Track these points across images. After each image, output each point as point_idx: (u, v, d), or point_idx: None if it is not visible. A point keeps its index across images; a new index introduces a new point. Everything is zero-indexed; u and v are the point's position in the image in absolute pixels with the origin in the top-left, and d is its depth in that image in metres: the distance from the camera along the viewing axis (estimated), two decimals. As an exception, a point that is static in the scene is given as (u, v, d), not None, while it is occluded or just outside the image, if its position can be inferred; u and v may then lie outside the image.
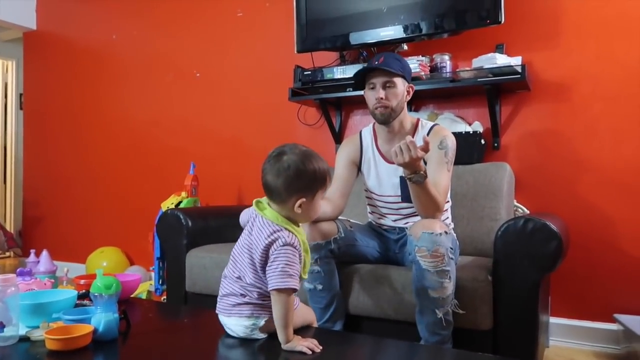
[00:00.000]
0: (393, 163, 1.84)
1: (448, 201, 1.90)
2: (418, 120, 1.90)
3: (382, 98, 1.76)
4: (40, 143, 4.18)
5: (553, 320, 2.27)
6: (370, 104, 1.81)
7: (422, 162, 1.57)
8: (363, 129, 2.00)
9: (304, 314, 1.42)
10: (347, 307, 1.82)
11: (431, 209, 1.67)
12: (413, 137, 1.84)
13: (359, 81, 1.85)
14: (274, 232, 1.25)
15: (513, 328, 1.62)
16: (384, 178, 1.89)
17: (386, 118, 1.80)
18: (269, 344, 1.25)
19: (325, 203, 1.81)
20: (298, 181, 1.25)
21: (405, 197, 1.81)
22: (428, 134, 1.82)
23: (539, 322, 1.66)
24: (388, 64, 1.75)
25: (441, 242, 1.54)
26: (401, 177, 1.82)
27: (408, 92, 1.84)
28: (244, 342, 1.28)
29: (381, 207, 1.92)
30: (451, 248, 1.58)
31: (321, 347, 1.21)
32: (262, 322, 1.29)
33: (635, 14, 2.18)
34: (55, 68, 4.08)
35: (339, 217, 1.87)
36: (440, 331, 1.58)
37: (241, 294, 1.30)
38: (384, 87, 1.77)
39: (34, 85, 4.24)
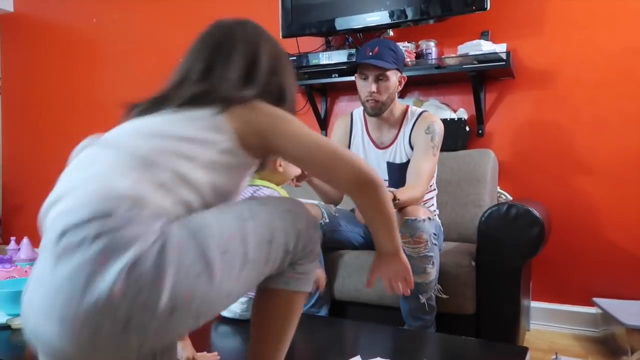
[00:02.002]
0: (382, 149, 1.86)
1: (434, 189, 1.92)
2: (407, 107, 1.90)
3: (374, 92, 1.75)
4: (20, 128, 4.08)
5: (534, 304, 2.31)
6: (362, 94, 1.80)
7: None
8: (355, 110, 2.00)
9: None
10: (332, 293, 1.83)
11: (411, 204, 1.66)
12: (401, 125, 1.85)
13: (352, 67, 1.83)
14: (255, 191, 1.26)
15: (496, 312, 1.65)
16: (373, 163, 1.89)
17: (377, 112, 1.81)
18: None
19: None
20: None
21: (393, 182, 1.82)
22: (416, 121, 1.84)
23: (521, 306, 1.69)
24: (382, 56, 1.72)
25: (424, 228, 1.55)
26: (387, 163, 1.83)
27: (400, 82, 1.83)
28: (236, 326, 1.28)
29: None
30: (434, 234, 1.59)
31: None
32: None
33: (618, 2, 2.20)
34: (34, 51, 3.98)
35: (323, 204, 1.88)
36: (424, 316, 1.60)
37: None
38: (377, 80, 1.75)
39: (12, 69, 4.13)
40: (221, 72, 0.92)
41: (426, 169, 1.74)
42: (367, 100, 1.78)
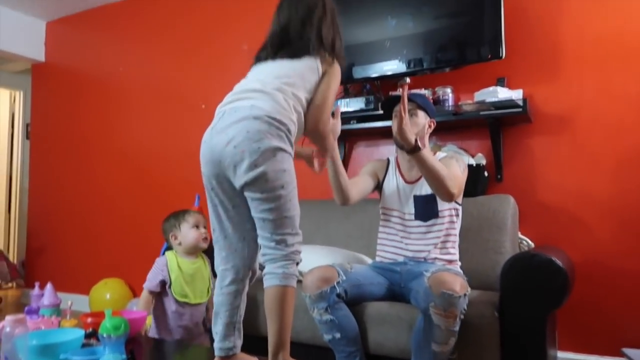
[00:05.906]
0: (410, 183, 1.99)
1: (456, 234, 1.94)
2: (436, 152, 2.08)
3: None
4: (46, 173, 4.21)
5: (560, 354, 2.25)
6: (393, 130, 1.86)
7: (413, 138, 1.70)
8: (390, 155, 2.16)
9: None
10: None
11: (439, 181, 1.75)
12: None
13: (387, 113, 2.03)
14: None
15: (521, 364, 1.61)
16: (402, 195, 2.00)
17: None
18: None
19: (351, 183, 1.95)
20: (164, 225, 2.04)
21: (419, 214, 1.94)
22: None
23: (547, 357, 1.65)
24: (412, 96, 1.92)
25: (459, 304, 1.57)
26: (414, 196, 1.95)
27: (430, 125, 1.99)
28: None
29: (395, 224, 2.00)
30: (464, 309, 1.61)
31: None
32: None
33: (632, 47, 2.23)
34: (62, 99, 4.14)
35: (336, 263, 1.89)
36: None
37: None
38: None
39: (41, 116, 4.30)
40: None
41: (450, 168, 1.83)
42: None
